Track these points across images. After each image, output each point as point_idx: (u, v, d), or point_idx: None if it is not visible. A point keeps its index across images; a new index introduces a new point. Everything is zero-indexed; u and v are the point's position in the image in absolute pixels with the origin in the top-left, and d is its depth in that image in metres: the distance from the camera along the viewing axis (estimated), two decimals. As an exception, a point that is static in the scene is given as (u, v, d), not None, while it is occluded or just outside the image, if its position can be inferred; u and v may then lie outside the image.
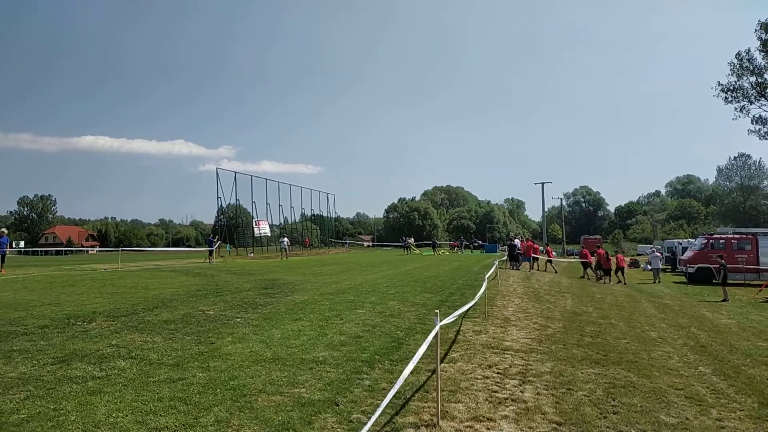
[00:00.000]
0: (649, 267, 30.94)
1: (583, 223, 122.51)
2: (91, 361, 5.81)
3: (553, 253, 30.01)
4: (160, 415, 4.19)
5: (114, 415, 4.18)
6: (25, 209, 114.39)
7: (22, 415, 4.15)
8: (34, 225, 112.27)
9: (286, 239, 35.54)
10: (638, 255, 54.49)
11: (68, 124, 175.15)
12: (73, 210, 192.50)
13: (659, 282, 25.63)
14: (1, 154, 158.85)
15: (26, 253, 69.11)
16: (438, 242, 54.42)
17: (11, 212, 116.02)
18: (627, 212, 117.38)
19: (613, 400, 5.15)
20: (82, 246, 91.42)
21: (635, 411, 4.88)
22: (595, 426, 4.42)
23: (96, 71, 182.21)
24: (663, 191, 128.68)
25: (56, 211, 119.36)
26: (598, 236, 73.41)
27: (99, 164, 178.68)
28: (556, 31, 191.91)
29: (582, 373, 6.16)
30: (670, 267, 35.47)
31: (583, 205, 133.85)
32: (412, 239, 52.48)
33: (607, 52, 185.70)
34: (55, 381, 5.07)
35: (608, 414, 4.74)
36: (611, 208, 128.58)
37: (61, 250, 74.79)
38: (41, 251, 76.37)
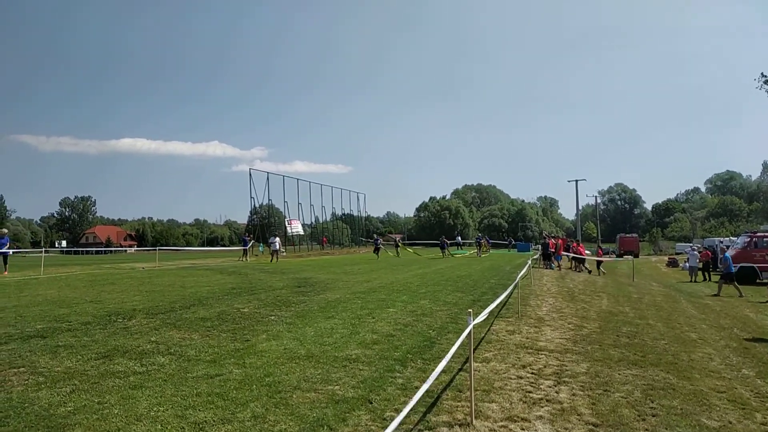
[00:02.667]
0: (687, 265, 30.12)
1: (619, 221, 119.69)
2: (132, 357, 5.99)
3: (586, 252, 29.35)
4: (199, 410, 4.30)
5: (155, 409, 4.31)
6: (67, 210, 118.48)
7: (69, 408, 4.31)
8: (75, 225, 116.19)
9: (277, 239, 30.78)
10: (677, 254, 52.99)
11: (108, 128, 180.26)
12: (112, 210, 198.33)
13: (696, 280, 24.94)
14: (44, 157, 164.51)
15: (68, 252, 71.63)
16: (452, 241, 43.32)
17: (53, 213, 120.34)
18: (665, 210, 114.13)
19: (652, 402, 5.04)
20: (121, 245, 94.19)
21: (675, 414, 4.76)
22: (634, 428, 4.34)
23: (135, 77, 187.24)
24: (702, 188, 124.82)
25: (96, 212, 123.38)
26: (634, 234, 71.69)
27: (137, 166, 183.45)
28: (590, 26, 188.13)
29: (619, 374, 6.04)
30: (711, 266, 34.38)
31: (619, 202, 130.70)
32: (399, 237, 45.51)
33: (643, 47, 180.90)
34: (98, 375, 5.25)
35: (647, 416, 4.64)
36: (648, 206, 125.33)
37: (101, 250, 77.19)
38: (82, 251, 78.99)
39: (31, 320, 8.26)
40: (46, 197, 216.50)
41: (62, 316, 8.62)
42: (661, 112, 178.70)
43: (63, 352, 6.17)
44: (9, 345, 6.51)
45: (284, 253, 28.45)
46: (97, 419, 4.08)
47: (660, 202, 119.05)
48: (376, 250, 34.42)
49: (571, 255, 24.42)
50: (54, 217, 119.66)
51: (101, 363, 5.73)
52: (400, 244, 40.29)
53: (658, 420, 4.56)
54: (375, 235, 34.15)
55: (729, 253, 20.71)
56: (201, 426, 3.97)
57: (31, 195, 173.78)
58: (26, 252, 59.59)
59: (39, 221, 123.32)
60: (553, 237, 28.96)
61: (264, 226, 42.50)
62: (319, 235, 50.79)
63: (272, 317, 8.81)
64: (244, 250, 29.88)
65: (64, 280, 15.60)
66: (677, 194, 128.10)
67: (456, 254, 37.60)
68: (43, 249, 34.84)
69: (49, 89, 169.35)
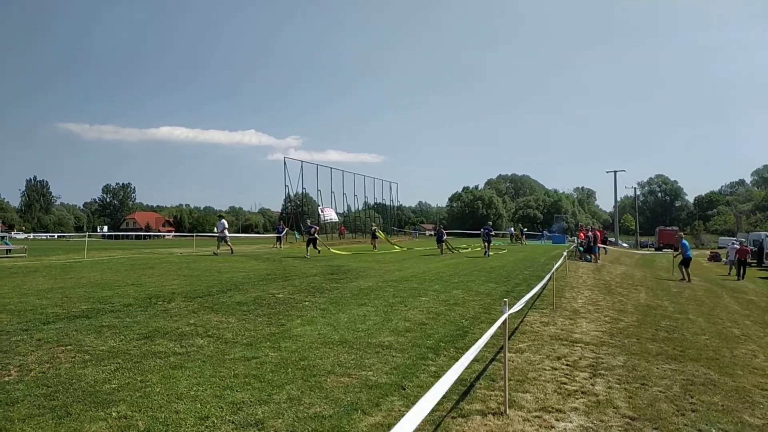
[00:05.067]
0: (728, 260, 29.17)
1: (659, 214, 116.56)
2: (172, 338, 6.18)
3: (624, 245, 28.71)
4: (237, 391, 4.41)
5: (194, 388, 4.44)
6: (108, 196, 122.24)
7: (113, 385, 4.48)
8: (116, 211, 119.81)
9: (281, 225, 30.35)
10: (719, 248, 51.28)
11: (148, 116, 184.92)
12: (150, 197, 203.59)
13: (736, 276, 24.09)
14: (88, 144, 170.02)
15: (109, 237, 73.96)
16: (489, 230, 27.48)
17: (95, 199, 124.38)
18: (708, 202, 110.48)
19: (692, 398, 4.91)
20: (159, 231, 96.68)
21: (716, 410, 4.63)
22: (672, 423, 4.24)
23: (175, 68, 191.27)
24: (748, 180, 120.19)
25: (135, 198, 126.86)
26: (674, 227, 69.64)
27: (175, 154, 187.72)
28: (633, 11, 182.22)
29: (657, 368, 5.90)
30: (755, 261, 33.18)
31: (659, 194, 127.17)
32: (375, 225, 35.38)
33: (687, 35, 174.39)
34: (140, 355, 5.43)
35: (686, 411, 4.53)
36: (690, 198, 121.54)
37: (141, 235, 79.47)
38: (123, 236, 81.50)
39: (77, 301, 8.60)
40: (88, 184, 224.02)
41: (105, 298, 8.93)
42: (706, 101, 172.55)
43: (107, 332, 6.40)
44: (56, 324, 6.80)
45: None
46: (140, 396, 4.22)
47: (703, 194, 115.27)
48: (311, 242, 21.79)
49: (600, 246, 23.91)
50: (96, 202, 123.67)
51: (143, 343, 5.93)
52: (379, 233, 31.09)
53: (698, 416, 4.45)
54: (309, 222, 24.41)
55: None
56: (239, 406, 4.07)
57: (74, 181, 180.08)
58: (70, 236, 61.85)
59: (82, 207, 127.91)
60: (588, 229, 28.37)
61: (298, 214, 42.98)
62: (351, 223, 51.03)
63: (306, 303, 8.94)
64: (278, 237, 30.29)
65: (107, 264, 16.15)
66: (721, 186, 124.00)
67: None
68: (87, 234, 36.10)
69: (92, 79, 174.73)
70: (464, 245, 33.31)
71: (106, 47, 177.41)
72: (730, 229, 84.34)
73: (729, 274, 25.11)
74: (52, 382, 4.53)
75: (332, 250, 25.01)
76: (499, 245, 34.60)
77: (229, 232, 22.88)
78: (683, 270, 18.45)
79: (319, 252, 22.09)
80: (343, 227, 47.63)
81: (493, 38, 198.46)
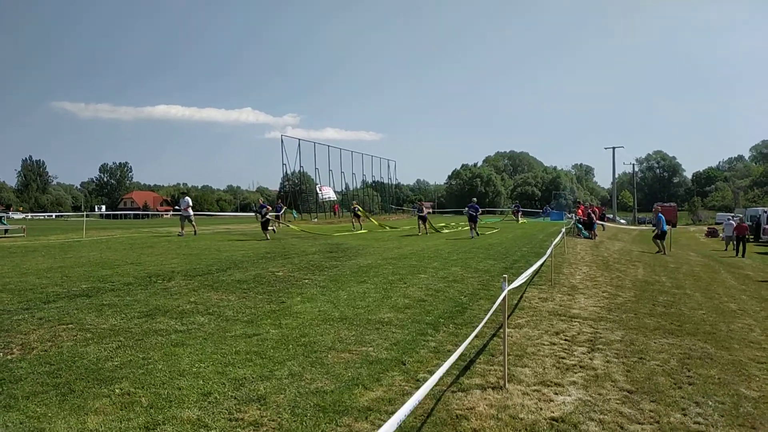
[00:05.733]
0: (722, 236, 29.35)
1: (657, 190, 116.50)
2: (173, 316, 6.21)
3: (622, 221, 28.74)
4: (239, 367, 4.44)
5: (196, 365, 4.47)
6: (106, 175, 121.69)
7: (116, 363, 4.51)
8: (113, 190, 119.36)
9: (279, 203, 28.48)
10: (716, 224, 51.43)
11: (143, 95, 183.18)
12: (148, 176, 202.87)
13: (734, 252, 24.17)
14: (84, 123, 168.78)
15: (107, 217, 73.82)
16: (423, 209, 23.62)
17: (93, 178, 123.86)
18: (706, 178, 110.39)
19: (689, 371, 4.97)
20: (157, 210, 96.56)
21: (713, 383, 4.69)
22: (669, 396, 4.29)
23: (170, 45, 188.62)
24: (747, 155, 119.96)
25: (133, 177, 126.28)
26: (672, 203, 69.72)
27: (172, 132, 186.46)
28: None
29: (655, 342, 5.96)
30: (752, 237, 33.31)
31: (657, 170, 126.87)
32: (356, 202, 29.55)
33: (685, 10, 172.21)
34: (141, 333, 5.47)
35: (683, 384, 4.58)
36: (688, 174, 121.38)
37: (139, 214, 79.36)
38: (121, 215, 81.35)
39: (77, 280, 8.61)
40: (85, 163, 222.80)
41: (105, 277, 8.95)
42: (705, 76, 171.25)
43: (108, 311, 6.43)
44: (57, 303, 6.82)
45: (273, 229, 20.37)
46: (143, 374, 4.26)
47: (701, 170, 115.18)
48: (265, 224, 19.48)
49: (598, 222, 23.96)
50: (93, 182, 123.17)
51: (144, 321, 5.96)
52: (360, 211, 27.12)
53: (695, 389, 4.50)
54: (261, 201, 21.88)
55: None
56: (241, 382, 4.11)
57: (71, 161, 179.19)
58: (68, 216, 61.76)
59: (79, 186, 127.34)
60: (586, 204, 28.40)
61: (296, 192, 42.88)
62: (349, 202, 50.97)
63: (306, 281, 8.97)
64: (276, 216, 30.28)
65: (105, 243, 16.16)
66: (719, 162, 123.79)
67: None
68: (84, 213, 36.06)
69: (87, 58, 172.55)
70: (452, 223, 31.54)
71: (100, 25, 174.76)
72: (728, 205, 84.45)
73: (726, 249, 25.28)
74: (55, 360, 4.56)
75: (291, 227, 24.18)
76: (492, 224, 32.79)
77: (193, 211, 20.94)
78: (659, 243, 18.83)
79: (274, 232, 20.11)
80: (337, 206, 46.79)
81: (490, 13, 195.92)
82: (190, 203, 20.94)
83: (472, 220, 20.60)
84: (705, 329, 6.90)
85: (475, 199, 22.61)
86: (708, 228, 44.60)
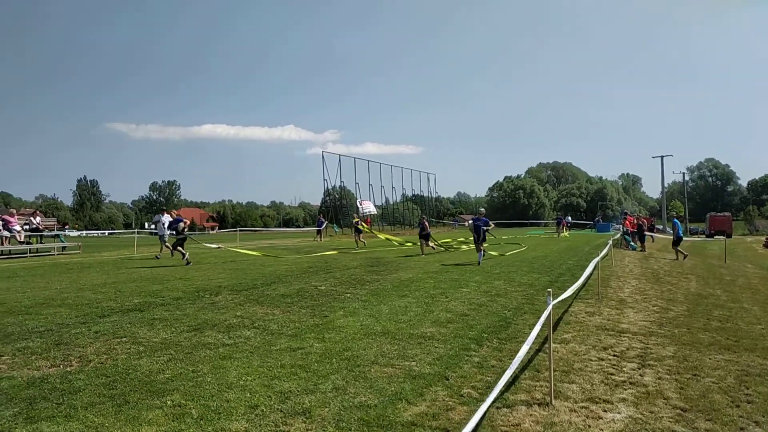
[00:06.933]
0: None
1: (709, 199, 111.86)
2: (221, 330, 6.37)
3: (656, 228, 27.58)
4: (284, 381, 4.52)
5: (243, 378, 4.58)
6: (155, 193, 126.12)
7: (167, 375, 4.67)
8: (162, 208, 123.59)
9: (321, 218, 30.71)
10: (776, 234, 48.88)
11: (191, 115, 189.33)
12: (195, 194, 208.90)
13: None
14: (135, 143, 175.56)
15: (156, 233, 76.40)
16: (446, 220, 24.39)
17: (143, 196, 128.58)
18: (762, 186, 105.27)
19: (747, 389, 4.74)
20: (204, 227, 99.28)
21: (774, 401, 4.46)
22: (726, 414, 4.11)
23: (218, 69, 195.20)
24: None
25: (180, 195, 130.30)
26: (726, 213, 66.75)
27: (217, 151, 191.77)
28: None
29: (709, 359, 5.71)
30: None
31: (710, 179, 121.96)
32: (357, 216, 29.01)
33: (739, 12, 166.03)
34: (191, 346, 5.63)
35: (741, 403, 4.37)
36: (743, 182, 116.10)
37: (189, 233, 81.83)
38: (170, 233, 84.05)
39: (129, 295, 8.96)
40: (136, 182, 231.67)
41: (156, 292, 9.28)
42: (757, 81, 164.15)
43: (159, 325, 6.66)
44: (111, 317, 7.11)
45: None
46: (193, 386, 4.39)
47: (757, 178, 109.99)
48: (179, 243, 15.90)
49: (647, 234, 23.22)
50: (143, 200, 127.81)
51: (193, 335, 6.14)
52: (363, 226, 25.21)
53: (754, 407, 4.29)
54: (175, 214, 18.51)
55: None
56: (286, 395, 4.18)
57: (123, 180, 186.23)
58: (120, 233, 64.26)
59: (130, 205, 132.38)
60: (633, 216, 27.54)
61: (337, 207, 43.36)
62: (389, 216, 51.09)
63: (348, 295, 9.04)
64: (318, 230, 30.68)
65: (155, 260, 16.72)
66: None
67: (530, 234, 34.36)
68: (135, 230, 37.48)
69: (139, 81, 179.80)
70: (460, 239, 27.73)
71: (152, 50, 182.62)
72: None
73: None
74: (110, 372, 4.75)
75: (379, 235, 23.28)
76: (522, 239, 28.95)
77: (168, 229, 17.26)
78: (676, 249, 18.78)
79: (184, 256, 14.97)
80: (369, 219, 46.38)
81: (528, 24, 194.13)
82: (163, 220, 18.00)
83: (479, 235, 15.08)
84: (764, 345, 6.56)
85: (482, 210, 16.92)
86: (766, 238, 42.43)
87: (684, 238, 24.53)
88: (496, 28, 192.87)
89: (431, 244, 19.72)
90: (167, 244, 17.53)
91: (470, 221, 16.47)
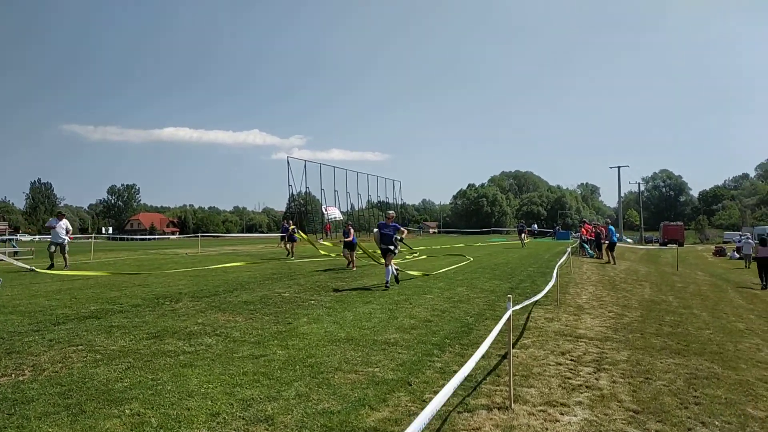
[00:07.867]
0: (737, 255, 29.39)
1: (663, 209, 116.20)
2: (181, 338, 6.26)
3: (628, 240, 28.72)
4: (246, 388, 4.49)
5: (205, 386, 4.52)
6: (113, 197, 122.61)
7: (126, 384, 4.57)
8: (120, 212, 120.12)
9: (286, 224, 23.56)
10: (724, 243, 51.11)
11: (152, 117, 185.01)
12: (155, 198, 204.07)
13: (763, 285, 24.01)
14: (92, 145, 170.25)
15: (114, 238, 74.18)
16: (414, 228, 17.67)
17: (101, 200, 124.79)
18: (712, 197, 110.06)
19: (695, 391, 4.97)
20: (164, 232, 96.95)
21: (719, 403, 4.69)
22: (675, 416, 4.30)
23: (177, 68, 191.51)
24: (752, 174, 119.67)
25: (140, 199, 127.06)
26: (679, 222, 69.44)
27: (179, 154, 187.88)
28: (633, 7, 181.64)
29: (661, 362, 5.96)
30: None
31: (663, 189, 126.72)
32: (292, 222, 23.57)
33: (688, 28, 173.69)
34: (150, 354, 5.52)
35: (690, 405, 4.58)
36: (694, 193, 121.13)
37: (146, 237, 79.78)
38: (128, 237, 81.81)
39: (85, 302, 8.70)
40: (93, 185, 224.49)
41: (114, 299, 9.03)
42: (708, 95, 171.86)
43: (117, 332, 6.49)
44: (66, 325, 6.89)
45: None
46: (152, 394, 4.30)
47: (707, 189, 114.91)
48: (289, 240, 20.08)
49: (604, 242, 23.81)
50: (101, 204, 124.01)
51: (152, 342, 6.01)
52: (299, 233, 23.07)
53: (702, 408, 4.51)
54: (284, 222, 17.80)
55: None
56: (249, 402, 4.15)
57: (79, 183, 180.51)
58: (76, 238, 62.17)
59: (87, 208, 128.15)
60: (591, 224, 28.33)
61: (302, 213, 43.08)
62: (355, 222, 51.04)
63: (312, 301, 9.02)
64: (282, 236, 30.39)
65: (113, 265, 16.27)
66: (725, 181, 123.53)
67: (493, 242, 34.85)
68: (92, 235, 36.33)
69: (96, 81, 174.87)
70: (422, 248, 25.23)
71: (108, 48, 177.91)
72: (735, 223, 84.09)
73: (747, 267, 26.04)
74: (66, 381, 4.61)
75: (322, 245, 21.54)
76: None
77: (72, 237, 15.68)
78: (609, 254, 20.20)
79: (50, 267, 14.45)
80: (329, 225, 44.21)
81: (493, 34, 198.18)
82: (66, 226, 15.23)
83: (388, 246, 11.35)
84: (712, 349, 6.88)
85: (392, 212, 12.11)
86: (716, 247, 44.32)
87: (641, 247, 25.46)
88: (460, 36, 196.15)
89: (355, 256, 15.73)
90: (64, 254, 15.14)
91: (375, 229, 13.14)
